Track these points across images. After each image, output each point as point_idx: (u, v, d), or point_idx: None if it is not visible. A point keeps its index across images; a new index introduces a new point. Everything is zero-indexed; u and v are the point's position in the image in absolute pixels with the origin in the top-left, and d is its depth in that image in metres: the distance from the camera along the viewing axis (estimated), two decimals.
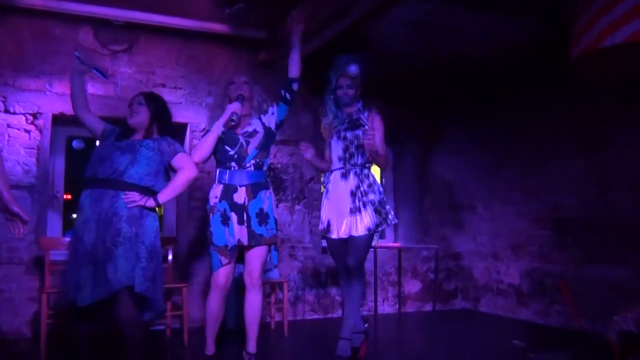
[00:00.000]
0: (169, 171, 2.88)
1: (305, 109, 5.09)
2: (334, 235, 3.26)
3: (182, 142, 4.65)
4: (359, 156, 3.28)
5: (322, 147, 3.54)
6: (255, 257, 3.06)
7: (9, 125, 4.18)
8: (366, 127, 3.29)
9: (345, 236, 3.21)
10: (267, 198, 3.10)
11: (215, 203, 3.03)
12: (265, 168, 3.17)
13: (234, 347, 3.64)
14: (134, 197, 2.67)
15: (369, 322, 4.68)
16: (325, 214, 3.33)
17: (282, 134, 5.12)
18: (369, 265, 5.04)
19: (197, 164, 2.95)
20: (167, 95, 4.48)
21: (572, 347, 3.84)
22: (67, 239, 3.51)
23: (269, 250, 3.15)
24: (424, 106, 5.82)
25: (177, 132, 4.31)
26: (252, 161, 3.09)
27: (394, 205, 5.97)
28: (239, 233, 3.00)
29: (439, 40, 4.54)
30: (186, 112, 4.73)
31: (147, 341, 2.77)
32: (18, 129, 4.21)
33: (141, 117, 2.84)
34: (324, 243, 3.49)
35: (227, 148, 3.06)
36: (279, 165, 5.12)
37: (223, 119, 3.03)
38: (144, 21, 4.45)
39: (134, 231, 2.64)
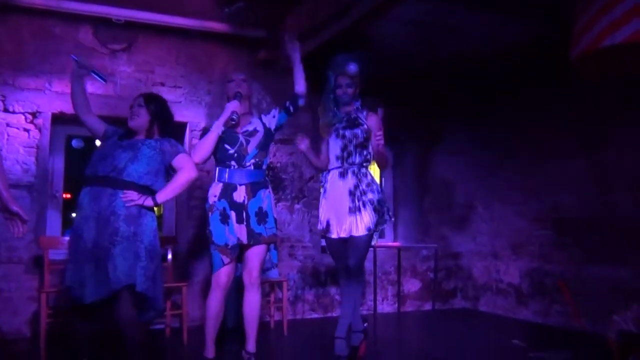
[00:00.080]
0: (169, 172, 2.88)
1: (305, 108, 5.06)
2: (333, 235, 3.25)
3: (181, 141, 4.65)
4: (357, 155, 3.27)
5: (320, 146, 3.51)
6: (254, 256, 3.06)
7: (8, 124, 4.18)
8: (365, 126, 3.29)
9: (345, 236, 3.20)
10: (266, 197, 3.10)
11: (215, 202, 3.02)
12: (264, 167, 3.17)
13: (233, 346, 3.64)
14: (132, 196, 2.66)
15: (369, 321, 4.68)
16: (323, 213, 3.31)
17: (282, 133, 5.09)
18: (368, 264, 5.05)
19: (197, 165, 2.95)
20: (167, 94, 4.48)
21: (571, 346, 3.84)
22: (67, 238, 3.52)
23: (268, 249, 3.14)
24: (424, 106, 5.82)
25: (177, 131, 4.30)
26: (252, 160, 3.08)
27: (394, 205, 5.97)
28: (238, 232, 3.00)
29: (438, 40, 4.54)
30: (186, 111, 4.73)
31: (147, 341, 2.77)
32: (17, 128, 4.20)
33: (141, 119, 2.85)
34: (324, 242, 3.48)
35: (227, 147, 3.05)
36: (279, 165, 5.12)
37: (223, 119, 3.03)
38: (144, 20, 4.45)
39: (132, 230, 2.64)
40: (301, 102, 3.25)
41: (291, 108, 3.22)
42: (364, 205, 3.18)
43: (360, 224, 3.16)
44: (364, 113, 3.36)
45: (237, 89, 3.12)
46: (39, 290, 3.82)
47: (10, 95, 4.20)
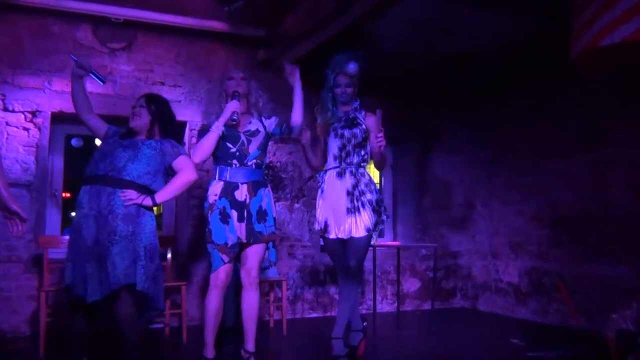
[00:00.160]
0: (168, 172, 2.89)
1: (304, 107, 5.06)
2: (331, 236, 3.23)
3: (181, 139, 4.65)
4: (355, 155, 3.25)
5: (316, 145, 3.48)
6: (253, 255, 3.05)
7: (7, 123, 4.18)
8: (364, 126, 3.29)
9: (344, 237, 3.19)
10: (266, 195, 3.10)
11: (215, 201, 2.99)
12: (263, 166, 3.17)
13: (233, 345, 3.65)
14: (131, 195, 2.67)
15: (368, 320, 4.68)
16: (321, 214, 3.28)
17: (281, 132, 5.12)
18: (368, 263, 5.05)
19: (196, 165, 2.95)
20: (166, 93, 4.48)
21: (570, 345, 3.84)
22: (66, 237, 3.52)
23: (267, 248, 3.14)
24: (423, 105, 5.81)
25: (178, 131, 4.31)
26: (254, 160, 3.08)
27: (393, 204, 5.97)
28: (239, 231, 2.99)
29: (438, 38, 4.53)
30: (185, 110, 4.72)
31: (145, 340, 2.77)
32: (17, 127, 4.20)
33: (142, 119, 2.87)
34: (323, 242, 3.47)
35: (229, 145, 3.04)
36: (278, 164, 5.12)
37: (223, 119, 3.00)
38: (143, 19, 4.45)
39: (131, 230, 2.64)
40: (294, 133, 3.24)
41: (283, 133, 3.24)
42: (363, 206, 3.17)
43: (360, 224, 3.16)
44: (363, 113, 3.35)
45: (236, 87, 3.11)
46: (38, 289, 3.82)
47: (9, 94, 4.19)
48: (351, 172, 3.23)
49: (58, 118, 4.36)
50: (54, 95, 4.30)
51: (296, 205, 5.17)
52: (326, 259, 5.04)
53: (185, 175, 2.85)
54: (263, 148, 3.15)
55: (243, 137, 3.07)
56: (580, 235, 4.57)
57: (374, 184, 3.30)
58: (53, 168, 4.48)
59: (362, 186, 3.21)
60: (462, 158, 5.94)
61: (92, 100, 3.04)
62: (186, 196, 4.63)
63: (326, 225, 3.25)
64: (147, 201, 2.72)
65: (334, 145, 3.29)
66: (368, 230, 3.17)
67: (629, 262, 4.11)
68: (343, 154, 3.26)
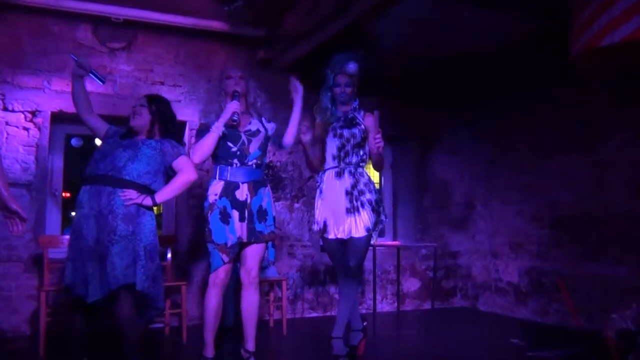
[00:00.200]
0: (168, 172, 2.89)
1: (304, 106, 5.06)
2: (331, 236, 3.21)
3: (180, 139, 4.64)
4: (354, 155, 3.24)
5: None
6: (254, 254, 3.05)
7: (7, 123, 4.18)
8: (362, 126, 3.28)
9: (344, 237, 3.19)
10: (266, 195, 3.10)
11: (215, 200, 2.98)
12: (263, 166, 3.17)
13: (232, 344, 3.65)
14: (131, 194, 2.67)
15: (368, 320, 4.68)
16: (320, 214, 3.27)
17: (281, 132, 5.11)
18: (368, 263, 5.05)
19: (196, 165, 2.95)
20: (166, 93, 4.48)
21: (570, 345, 3.84)
22: (66, 237, 3.52)
23: (266, 247, 3.14)
24: (423, 105, 5.81)
25: (177, 130, 4.30)
26: (254, 160, 3.08)
27: (393, 204, 5.97)
28: (240, 230, 2.98)
29: (437, 37, 4.53)
30: (185, 109, 4.72)
31: (145, 339, 2.77)
32: (17, 127, 4.20)
33: (142, 118, 2.87)
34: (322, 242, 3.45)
35: (230, 144, 3.03)
36: (278, 164, 5.12)
37: (223, 119, 2.99)
38: (143, 19, 4.44)
39: (131, 229, 2.64)
40: (283, 148, 3.30)
41: (276, 144, 3.25)
42: (362, 206, 3.17)
43: (360, 224, 3.15)
44: (362, 113, 3.34)
45: (234, 86, 3.09)
46: (38, 289, 3.82)
47: (9, 94, 4.19)
48: (350, 171, 3.23)
49: (58, 118, 4.36)
50: (53, 95, 4.30)
51: (296, 205, 5.17)
52: (326, 259, 5.03)
53: (185, 175, 2.85)
54: (263, 148, 3.15)
55: (244, 137, 3.06)
56: (580, 235, 4.57)
57: (373, 184, 3.30)
58: (53, 168, 4.48)
59: (361, 186, 3.21)
60: (462, 158, 5.94)
61: (91, 100, 3.04)
62: (186, 196, 4.63)
63: (325, 225, 3.23)
64: (147, 201, 2.72)
65: (332, 145, 3.28)
66: (368, 230, 3.16)
67: (629, 261, 4.11)
68: (342, 154, 3.25)
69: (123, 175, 2.69)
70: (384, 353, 3.86)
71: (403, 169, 5.95)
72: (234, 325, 4.13)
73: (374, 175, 5.99)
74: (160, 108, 2.93)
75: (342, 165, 3.24)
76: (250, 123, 3.13)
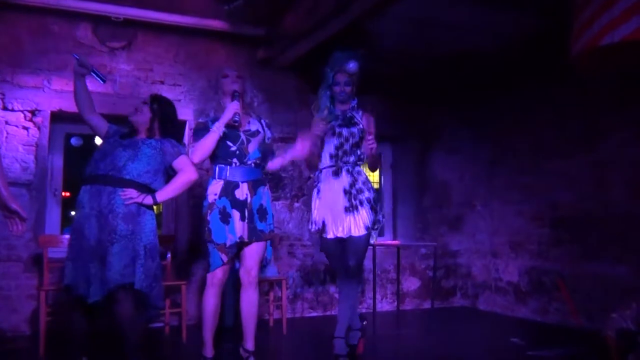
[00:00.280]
0: (169, 172, 2.89)
1: (303, 105, 5.08)
2: (329, 235, 3.20)
3: (181, 139, 4.64)
4: (352, 154, 3.24)
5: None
6: (254, 254, 3.04)
7: (7, 122, 4.17)
8: (361, 126, 3.28)
9: (343, 236, 3.18)
10: (265, 194, 3.09)
11: (215, 200, 2.98)
12: (261, 165, 3.16)
13: (232, 344, 3.64)
14: (132, 193, 2.67)
15: (368, 319, 4.68)
16: (318, 213, 3.25)
17: (281, 131, 5.11)
18: (368, 262, 5.04)
19: (195, 165, 2.95)
20: (166, 92, 4.47)
21: (570, 344, 3.85)
22: (66, 236, 3.52)
23: (266, 247, 3.13)
24: (423, 104, 5.81)
25: (178, 130, 4.30)
26: (253, 159, 3.07)
27: (393, 203, 5.97)
28: (241, 230, 2.97)
29: (437, 37, 4.53)
30: (185, 109, 4.72)
31: (145, 339, 2.77)
32: (16, 126, 4.20)
33: (142, 116, 2.89)
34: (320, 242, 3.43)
35: (229, 144, 3.03)
36: None
37: (224, 120, 2.97)
38: (143, 18, 4.44)
39: (130, 229, 2.64)
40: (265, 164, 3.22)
41: (261, 153, 3.15)
42: (361, 204, 3.16)
43: (360, 223, 3.15)
44: (360, 112, 3.34)
45: (231, 85, 3.08)
46: (38, 288, 3.83)
47: (9, 93, 4.19)
48: (347, 170, 3.22)
49: (57, 117, 4.36)
50: (53, 94, 4.30)
51: (296, 205, 5.17)
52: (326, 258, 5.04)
53: (186, 174, 2.86)
54: (261, 150, 3.14)
55: (243, 137, 3.05)
56: (580, 235, 4.57)
57: (370, 182, 3.30)
58: (53, 167, 4.48)
59: (359, 184, 3.20)
60: (462, 157, 5.93)
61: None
62: (186, 195, 4.63)
63: (323, 225, 3.22)
64: (148, 200, 2.72)
65: (330, 144, 3.26)
66: (367, 228, 3.16)
67: (628, 261, 4.11)
68: (340, 153, 3.24)
69: (123, 174, 2.69)
70: (384, 352, 3.86)
71: (403, 168, 5.94)
72: (234, 324, 4.13)
73: (375, 175, 6.00)
74: (161, 108, 2.95)
75: (340, 164, 3.23)
76: (249, 123, 3.12)
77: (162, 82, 4.68)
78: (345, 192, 3.18)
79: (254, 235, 2.99)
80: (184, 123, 4.72)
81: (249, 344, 3.09)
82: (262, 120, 3.22)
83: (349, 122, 3.27)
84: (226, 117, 2.98)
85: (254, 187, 3.03)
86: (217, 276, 2.97)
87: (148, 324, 4.03)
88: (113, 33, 4.51)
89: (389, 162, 6.00)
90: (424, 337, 4.48)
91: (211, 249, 2.96)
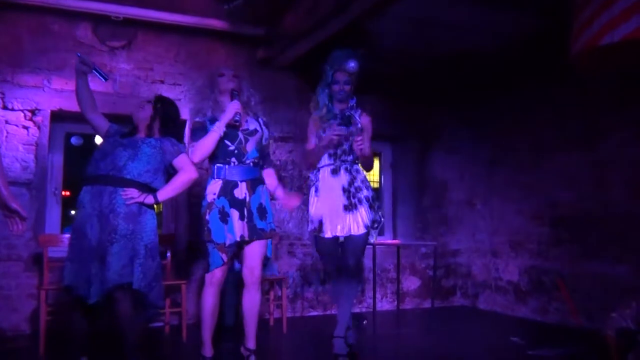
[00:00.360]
0: (169, 171, 2.89)
1: (303, 105, 5.07)
2: (327, 235, 3.18)
3: (181, 139, 4.64)
4: (350, 152, 3.23)
5: (308, 140, 3.41)
6: (256, 253, 3.04)
7: (7, 122, 4.17)
8: (359, 125, 3.28)
9: (343, 235, 3.18)
10: (263, 193, 3.09)
11: (214, 199, 2.97)
12: (260, 164, 3.16)
13: (231, 343, 3.64)
14: (133, 193, 2.68)
15: (368, 318, 4.69)
16: (315, 212, 3.24)
17: (281, 130, 5.12)
18: (368, 262, 5.05)
19: (195, 164, 2.95)
20: (166, 92, 4.47)
21: (570, 344, 3.85)
22: (66, 236, 3.52)
23: (266, 245, 3.13)
24: (423, 104, 5.81)
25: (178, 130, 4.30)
26: (252, 159, 3.07)
27: (393, 202, 5.98)
28: (241, 229, 2.96)
29: (437, 36, 4.53)
30: (185, 108, 4.71)
31: (145, 338, 2.77)
32: (16, 125, 4.20)
33: (144, 112, 2.91)
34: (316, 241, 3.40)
35: (228, 143, 3.02)
36: (278, 162, 5.12)
37: (225, 119, 2.97)
38: (143, 17, 4.44)
39: (131, 228, 2.65)
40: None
41: (259, 153, 3.14)
42: (360, 202, 3.16)
43: (359, 221, 3.15)
44: (358, 111, 3.34)
45: (228, 84, 3.07)
46: (38, 288, 3.83)
47: (8, 93, 4.19)
48: (346, 168, 3.22)
49: (57, 116, 4.36)
50: (53, 94, 4.30)
51: None
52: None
53: (186, 173, 2.86)
54: (259, 149, 3.13)
55: (241, 136, 3.05)
56: (580, 234, 4.57)
57: (368, 181, 3.30)
58: (53, 166, 4.48)
59: (358, 182, 3.20)
60: (462, 157, 5.94)
61: None
62: (186, 195, 4.63)
63: (320, 224, 3.21)
64: (149, 199, 2.73)
65: None
66: (366, 227, 3.16)
67: (628, 261, 4.12)
68: (339, 152, 3.23)
69: (124, 174, 2.70)
70: (384, 352, 3.87)
71: (403, 167, 5.95)
72: (234, 324, 4.14)
73: (375, 174, 6.01)
74: (164, 108, 2.98)
75: (338, 162, 3.23)
76: (247, 122, 3.11)
77: (162, 82, 4.68)
78: (344, 190, 3.17)
79: (255, 234, 2.99)
80: (184, 122, 4.72)
81: (250, 342, 3.09)
82: (260, 119, 3.21)
83: (348, 121, 3.26)
84: (227, 116, 2.97)
85: (252, 187, 3.03)
86: (216, 276, 2.97)
87: (148, 324, 4.03)
88: (113, 32, 4.51)
89: (389, 162, 6.00)
90: (424, 337, 4.48)
91: (211, 249, 2.95)
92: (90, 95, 2.94)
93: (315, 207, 3.25)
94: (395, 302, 5.53)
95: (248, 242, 3.02)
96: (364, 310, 5.28)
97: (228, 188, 2.98)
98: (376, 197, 3.31)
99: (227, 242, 2.93)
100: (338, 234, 3.17)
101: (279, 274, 4.65)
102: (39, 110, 4.25)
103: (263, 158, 3.18)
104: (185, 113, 4.70)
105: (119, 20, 4.41)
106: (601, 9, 2.91)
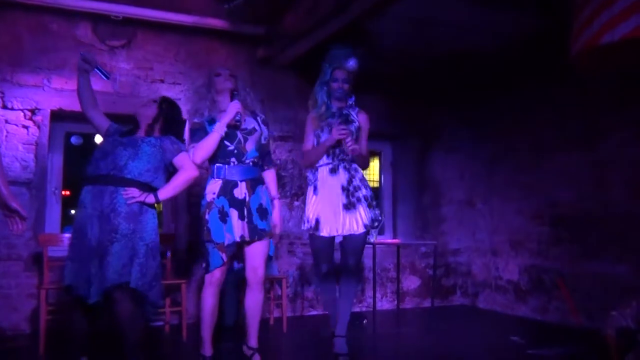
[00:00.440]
0: (169, 169, 2.89)
1: (303, 104, 5.05)
2: (323, 233, 3.18)
3: (181, 137, 4.64)
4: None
5: (306, 138, 3.40)
6: (259, 253, 3.03)
7: (7, 121, 4.17)
8: (357, 123, 3.28)
9: (342, 234, 3.18)
10: (263, 193, 3.09)
11: (213, 199, 2.97)
12: (259, 164, 3.15)
13: (231, 343, 3.64)
14: (134, 193, 2.68)
15: (368, 318, 4.70)
16: (312, 211, 3.23)
17: (281, 130, 5.12)
18: (368, 261, 5.05)
19: (197, 165, 2.95)
20: (166, 91, 4.48)
21: (570, 343, 3.85)
22: (66, 235, 3.52)
23: (269, 244, 3.13)
24: (423, 102, 5.81)
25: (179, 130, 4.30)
26: (251, 158, 3.07)
27: (393, 202, 5.98)
28: (241, 229, 2.95)
29: (437, 36, 4.53)
30: (184, 108, 4.70)
31: (145, 338, 2.77)
32: (16, 125, 4.20)
33: (148, 110, 2.91)
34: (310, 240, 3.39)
35: (227, 143, 3.02)
36: (278, 162, 5.11)
37: (226, 120, 2.96)
38: (143, 16, 4.44)
39: (132, 228, 2.65)
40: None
41: (258, 153, 3.12)
42: (359, 201, 3.17)
43: (359, 220, 3.15)
44: (356, 110, 3.34)
45: (224, 83, 3.06)
46: (38, 287, 3.83)
47: (8, 92, 4.19)
48: (345, 167, 3.22)
49: (57, 116, 4.36)
50: (53, 93, 4.29)
51: (296, 203, 5.17)
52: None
53: (187, 172, 2.87)
54: (258, 147, 3.13)
55: (240, 135, 3.04)
56: (580, 234, 4.57)
57: (366, 180, 3.31)
58: (52, 166, 4.47)
59: (356, 181, 3.20)
60: (462, 156, 5.94)
61: None
62: (185, 194, 4.63)
63: (317, 222, 3.20)
64: (150, 198, 2.73)
65: None
66: (366, 226, 3.16)
67: (628, 260, 4.12)
68: (337, 150, 3.23)
69: (124, 174, 2.70)
70: (384, 351, 3.87)
71: (403, 167, 5.95)
72: (234, 324, 4.14)
73: (374, 174, 6.01)
74: (169, 109, 2.99)
75: (336, 161, 3.23)
76: (245, 121, 3.10)
77: (162, 81, 4.68)
78: (343, 189, 3.17)
79: (256, 233, 2.99)
80: (184, 121, 4.71)
81: (253, 341, 3.09)
82: (258, 117, 3.19)
83: (346, 120, 3.26)
84: (228, 117, 2.96)
85: (252, 186, 3.03)
86: (215, 276, 2.96)
87: (147, 323, 4.03)
88: (113, 31, 4.51)
89: (389, 161, 6.00)
90: (424, 336, 4.48)
91: (210, 249, 2.94)
92: (91, 93, 2.95)
93: (313, 205, 3.25)
94: (395, 302, 5.53)
95: (249, 243, 3.02)
96: (364, 309, 5.28)
97: (228, 188, 2.98)
98: (374, 197, 3.31)
99: (226, 242, 2.93)
100: (335, 233, 3.17)
101: (279, 274, 4.65)
102: (39, 109, 4.25)
103: (263, 157, 3.18)
104: (184, 112, 4.69)
105: (119, 19, 4.40)
106: (601, 8, 2.91)
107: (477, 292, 5.77)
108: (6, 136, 4.16)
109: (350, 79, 3.27)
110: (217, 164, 3.03)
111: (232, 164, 3.01)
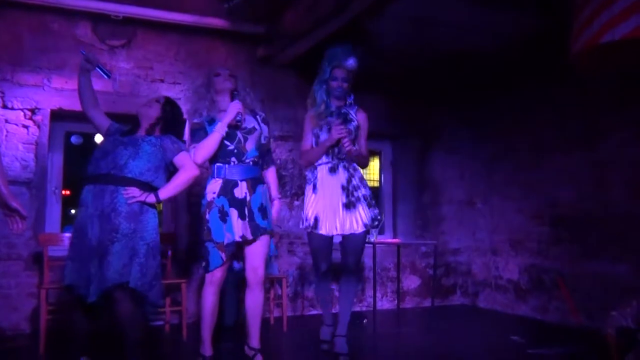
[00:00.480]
0: (169, 169, 2.89)
1: (303, 103, 5.04)
2: (322, 231, 3.18)
3: (181, 137, 4.64)
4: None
5: (304, 137, 3.40)
6: (259, 253, 3.03)
7: (7, 121, 4.17)
8: (356, 122, 3.28)
9: (342, 233, 3.18)
10: (263, 192, 3.09)
11: (214, 199, 2.97)
12: (260, 163, 3.16)
13: (232, 343, 3.64)
14: (134, 192, 2.68)
15: (368, 318, 4.70)
16: (311, 210, 3.23)
17: (281, 129, 5.12)
18: (368, 261, 5.06)
19: (198, 165, 2.95)
20: (166, 90, 4.48)
21: (570, 342, 3.85)
22: (67, 235, 3.52)
23: (269, 244, 3.13)
24: (423, 102, 5.82)
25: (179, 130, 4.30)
26: (252, 158, 3.07)
27: (393, 201, 5.98)
28: (242, 228, 2.95)
29: (437, 36, 4.53)
30: (184, 107, 4.69)
31: (146, 337, 2.77)
32: (16, 125, 4.20)
33: (152, 110, 2.91)
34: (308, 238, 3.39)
35: (227, 142, 3.01)
36: (278, 161, 5.11)
37: (227, 120, 2.96)
38: (143, 16, 4.44)
39: (132, 227, 2.65)
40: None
41: (259, 152, 3.11)
42: (359, 201, 3.17)
43: (359, 220, 3.15)
44: (354, 109, 3.33)
45: (224, 83, 3.06)
46: (38, 287, 3.83)
47: (8, 92, 4.19)
48: (344, 166, 3.22)
49: (57, 115, 4.36)
50: (53, 93, 4.29)
51: (296, 203, 5.17)
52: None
53: (187, 171, 2.86)
54: (257, 146, 3.12)
55: (240, 135, 3.03)
56: (580, 234, 4.57)
57: (365, 180, 3.31)
58: (53, 165, 4.47)
59: (356, 180, 3.21)
60: (462, 156, 5.94)
61: None
62: (185, 194, 4.63)
63: (316, 221, 3.20)
64: (151, 198, 2.73)
65: None
66: (366, 226, 3.16)
67: (628, 260, 4.12)
68: (336, 150, 3.23)
69: (125, 173, 2.70)
70: (384, 350, 3.87)
71: (403, 166, 5.95)
72: (234, 324, 4.14)
73: (375, 173, 6.01)
74: (172, 110, 3.00)
75: (335, 160, 3.23)
76: (244, 120, 3.10)
77: (162, 81, 4.68)
78: (343, 188, 3.17)
79: (258, 231, 2.98)
80: (184, 121, 4.71)
81: (254, 341, 3.08)
82: (258, 116, 3.18)
83: (345, 119, 3.26)
84: (229, 117, 2.96)
85: (252, 186, 3.03)
86: (215, 275, 2.96)
87: (148, 323, 4.03)
88: (113, 31, 4.51)
89: (389, 160, 6.00)
90: (424, 335, 4.48)
91: (211, 248, 2.94)
92: (92, 92, 2.95)
93: (312, 204, 3.25)
94: (396, 301, 5.53)
95: (250, 242, 3.02)
96: (364, 309, 5.29)
97: (228, 187, 2.98)
98: (373, 196, 3.32)
99: (226, 241, 2.93)
100: (334, 232, 3.17)
101: (279, 273, 4.65)
102: (39, 109, 4.25)
103: (263, 156, 3.18)
104: (184, 112, 4.69)
105: (119, 19, 4.40)
106: (601, 8, 2.91)
107: (477, 291, 5.78)
108: (6, 136, 4.16)
109: (350, 78, 3.27)
110: (218, 164, 3.03)
111: (232, 163, 3.01)
